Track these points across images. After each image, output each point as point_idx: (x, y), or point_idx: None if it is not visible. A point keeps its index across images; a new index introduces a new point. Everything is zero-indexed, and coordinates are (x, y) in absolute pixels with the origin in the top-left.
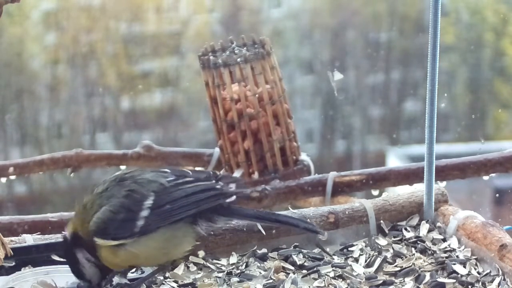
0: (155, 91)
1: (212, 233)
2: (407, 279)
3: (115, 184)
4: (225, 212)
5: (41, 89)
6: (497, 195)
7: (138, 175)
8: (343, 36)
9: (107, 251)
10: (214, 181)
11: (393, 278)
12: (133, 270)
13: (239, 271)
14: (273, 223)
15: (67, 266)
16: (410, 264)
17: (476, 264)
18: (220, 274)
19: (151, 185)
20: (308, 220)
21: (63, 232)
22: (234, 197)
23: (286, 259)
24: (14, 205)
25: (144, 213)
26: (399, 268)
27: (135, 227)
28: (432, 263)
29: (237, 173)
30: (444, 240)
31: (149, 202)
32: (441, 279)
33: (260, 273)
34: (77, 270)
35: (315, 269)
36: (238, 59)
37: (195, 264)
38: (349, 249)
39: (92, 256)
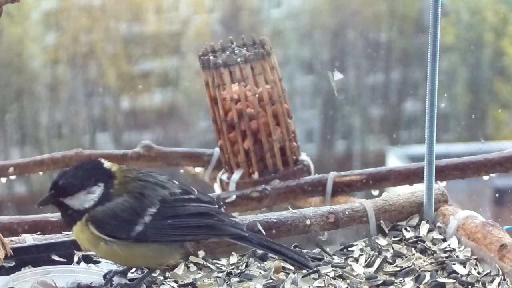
0: (155, 91)
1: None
2: (407, 279)
3: (141, 177)
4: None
5: (41, 89)
6: (497, 195)
7: (158, 176)
8: (343, 36)
9: (90, 235)
10: (217, 206)
11: (393, 278)
12: (133, 270)
13: (239, 271)
14: (264, 249)
15: (67, 266)
16: (410, 264)
17: (476, 264)
18: (220, 274)
19: (162, 191)
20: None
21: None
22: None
23: None
24: (14, 205)
25: (146, 219)
26: (399, 268)
27: (132, 231)
28: (432, 263)
29: (237, 173)
30: (444, 240)
31: (153, 210)
32: (441, 279)
33: (260, 273)
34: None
35: (315, 269)
36: (238, 59)
37: (195, 264)
38: (349, 249)
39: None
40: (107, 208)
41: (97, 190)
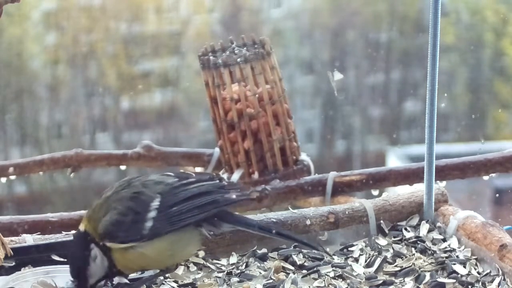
0: (155, 91)
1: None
2: (407, 279)
3: (122, 188)
4: (229, 218)
5: (41, 89)
6: (497, 195)
7: (144, 177)
8: (343, 36)
9: (118, 253)
10: (217, 181)
11: (393, 278)
12: None
13: (239, 271)
14: (274, 236)
15: (67, 266)
16: (410, 264)
17: (476, 264)
18: (220, 274)
19: (156, 186)
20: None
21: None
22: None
23: (286, 259)
24: (14, 205)
25: (152, 214)
26: (399, 268)
27: (144, 229)
28: (432, 263)
29: (237, 173)
30: (444, 240)
31: (155, 203)
32: (441, 279)
33: (260, 273)
34: (77, 267)
35: (315, 269)
36: (238, 59)
37: (195, 264)
38: (349, 249)
39: (105, 255)
40: (104, 221)
41: (94, 250)
